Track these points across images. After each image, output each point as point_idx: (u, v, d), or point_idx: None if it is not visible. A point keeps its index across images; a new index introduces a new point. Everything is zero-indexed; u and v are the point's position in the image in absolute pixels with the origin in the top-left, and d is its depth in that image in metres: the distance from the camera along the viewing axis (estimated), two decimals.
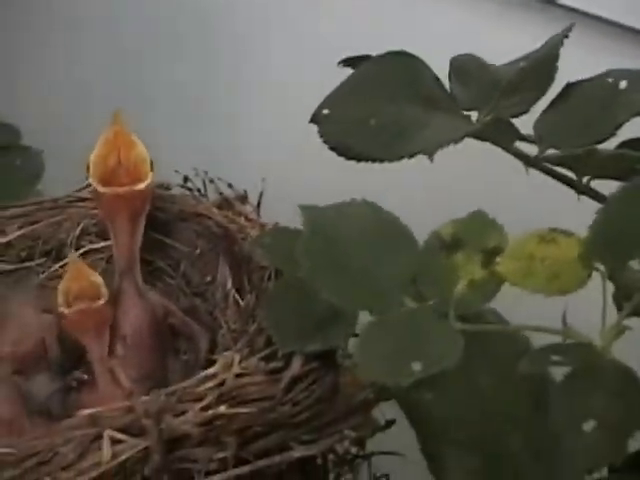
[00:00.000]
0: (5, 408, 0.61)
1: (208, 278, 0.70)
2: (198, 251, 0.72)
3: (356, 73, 0.65)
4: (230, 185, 0.76)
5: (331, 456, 0.63)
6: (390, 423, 0.62)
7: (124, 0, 1.04)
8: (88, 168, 0.65)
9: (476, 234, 0.53)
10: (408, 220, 0.56)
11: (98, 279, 0.63)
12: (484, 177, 0.79)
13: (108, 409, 0.53)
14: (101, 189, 0.64)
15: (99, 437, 0.51)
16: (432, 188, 0.78)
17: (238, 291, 0.67)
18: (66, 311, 0.62)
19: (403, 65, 0.64)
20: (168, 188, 0.77)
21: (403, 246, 0.55)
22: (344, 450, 0.63)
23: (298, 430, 0.55)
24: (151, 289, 0.69)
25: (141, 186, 0.64)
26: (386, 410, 0.61)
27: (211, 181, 0.76)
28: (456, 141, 0.58)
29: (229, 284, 0.68)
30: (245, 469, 0.52)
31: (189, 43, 1.00)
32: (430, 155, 0.57)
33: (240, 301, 0.67)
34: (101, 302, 0.62)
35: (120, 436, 0.51)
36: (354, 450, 0.63)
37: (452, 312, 0.51)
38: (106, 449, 0.50)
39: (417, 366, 0.47)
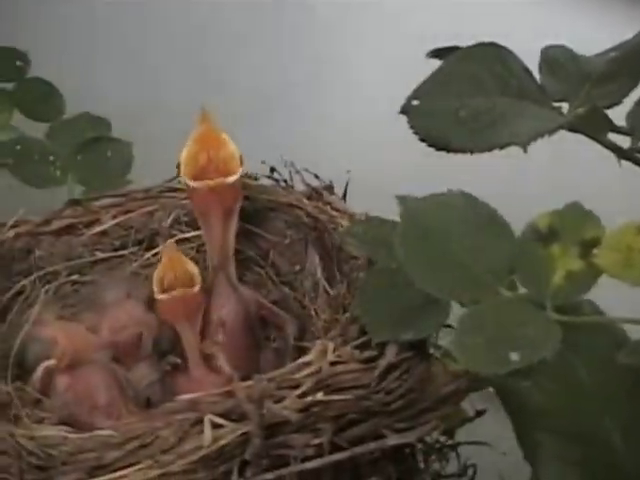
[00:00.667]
0: (103, 393, 0.62)
1: (297, 267, 0.70)
2: (287, 241, 0.72)
3: (445, 64, 0.65)
4: (316, 176, 0.77)
5: (420, 445, 0.63)
6: (480, 413, 0.62)
7: None
8: (179, 166, 0.67)
9: (573, 225, 0.53)
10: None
11: (192, 267, 0.65)
12: (574, 168, 0.78)
13: (208, 394, 0.54)
14: (193, 184, 0.65)
15: (199, 421, 0.52)
16: (521, 178, 0.78)
17: (328, 280, 0.68)
18: (160, 297, 0.63)
19: (493, 56, 0.64)
20: (256, 178, 0.78)
21: (500, 237, 0.54)
22: (434, 439, 0.63)
23: (391, 418, 0.55)
24: (242, 284, 0.71)
25: (231, 179, 0.65)
26: (476, 400, 0.62)
27: (297, 172, 0.77)
28: (550, 132, 0.58)
29: (319, 273, 0.69)
30: (341, 455, 0.53)
31: (271, 31, 1.01)
32: (524, 146, 0.57)
33: (330, 290, 0.68)
34: (194, 289, 0.64)
35: (220, 421, 0.52)
36: (443, 439, 0.63)
37: (549, 303, 0.51)
38: (207, 433, 0.52)
39: (515, 356, 0.48)
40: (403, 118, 0.60)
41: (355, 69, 0.95)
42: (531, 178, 0.77)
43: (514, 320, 0.51)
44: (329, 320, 0.66)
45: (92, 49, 1.15)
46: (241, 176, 0.67)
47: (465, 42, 0.64)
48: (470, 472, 0.65)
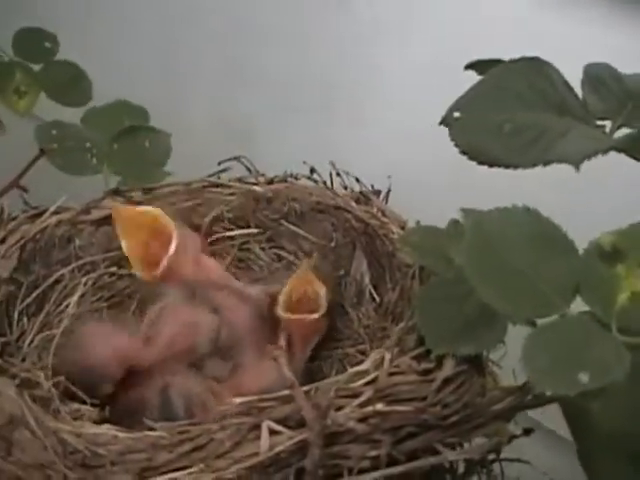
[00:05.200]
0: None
1: (341, 272, 0.69)
2: (333, 244, 0.71)
3: (488, 77, 0.64)
4: (357, 179, 0.76)
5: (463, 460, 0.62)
6: (528, 431, 0.61)
7: None
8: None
9: (637, 246, 0.52)
10: None
11: (321, 291, 0.65)
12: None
13: (266, 398, 0.52)
14: (283, 315, 0.66)
15: (256, 426, 0.51)
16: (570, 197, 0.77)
17: (375, 287, 0.67)
18: (284, 316, 0.65)
19: (536, 71, 0.63)
20: (297, 178, 0.77)
21: (564, 253, 0.54)
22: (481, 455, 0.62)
23: (446, 433, 0.54)
24: None
25: (315, 315, 0.66)
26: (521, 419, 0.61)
27: (338, 174, 0.76)
28: (603, 152, 0.57)
29: (366, 279, 0.67)
30: (398, 469, 0.52)
31: (312, 31, 0.99)
32: (576, 165, 0.56)
33: (376, 297, 0.67)
34: (316, 315, 0.65)
35: (278, 427, 0.51)
36: (490, 455, 0.62)
37: (614, 324, 0.50)
38: (264, 439, 0.50)
39: (585, 377, 0.47)
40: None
41: (396, 74, 0.94)
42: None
43: (581, 340, 0.50)
44: (374, 327, 0.65)
45: (119, 36, 1.13)
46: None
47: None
48: None
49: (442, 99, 0.61)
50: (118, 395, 0.64)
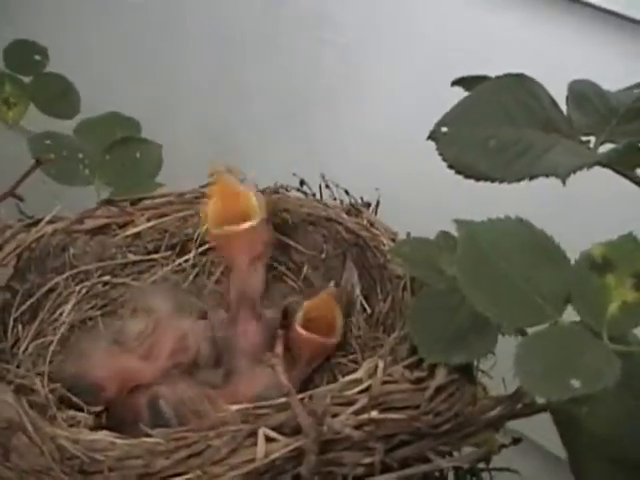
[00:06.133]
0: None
1: (331, 283, 0.70)
2: (323, 255, 0.72)
3: (474, 93, 0.65)
4: (347, 192, 0.76)
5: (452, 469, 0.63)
6: (517, 440, 0.62)
7: None
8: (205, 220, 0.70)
9: (627, 257, 0.53)
10: None
11: (339, 318, 0.68)
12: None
13: (262, 406, 0.53)
14: (216, 231, 0.68)
15: (253, 433, 0.52)
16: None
17: (366, 298, 0.68)
18: (303, 333, 0.66)
19: (521, 87, 0.64)
20: (287, 190, 0.77)
21: (556, 264, 0.55)
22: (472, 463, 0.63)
23: (437, 441, 0.55)
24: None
25: (249, 224, 0.68)
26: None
27: (327, 186, 0.77)
28: (589, 166, 0.58)
29: (357, 290, 0.68)
30: (391, 476, 0.52)
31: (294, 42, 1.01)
32: (563, 179, 0.57)
33: (367, 308, 0.68)
34: (334, 340, 0.68)
35: (274, 434, 0.51)
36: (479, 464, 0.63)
37: (605, 332, 0.51)
38: (260, 446, 0.51)
39: (577, 383, 0.48)
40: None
41: (387, 85, 0.95)
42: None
43: (573, 348, 0.51)
44: (365, 337, 0.65)
45: (108, 47, 1.14)
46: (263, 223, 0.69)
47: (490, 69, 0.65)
48: None
49: (428, 110, 0.62)
50: (113, 403, 0.64)
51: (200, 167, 0.78)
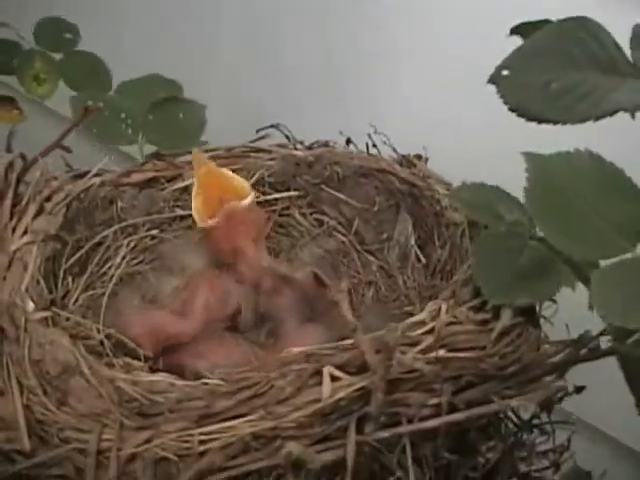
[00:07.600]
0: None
1: (384, 236, 0.68)
2: (376, 208, 0.70)
3: (536, 37, 0.63)
4: (395, 149, 0.75)
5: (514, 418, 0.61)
6: (580, 389, 0.60)
7: None
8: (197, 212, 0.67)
9: None
10: None
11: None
12: None
13: (325, 347, 0.52)
14: (212, 221, 0.66)
15: (317, 373, 0.50)
16: None
17: (422, 247, 0.66)
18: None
19: (583, 30, 0.63)
20: (333, 147, 0.76)
21: (629, 197, 0.53)
22: (532, 413, 0.61)
23: (503, 384, 0.54)
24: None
25: (244, 203, 0.66)
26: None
27: (374, 145, 0.75)
28: None
29: (412, 241, 0.67)
30: (458, 416, 0.51)
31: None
32: (632, 112, 0.56)
33: (422, 258, 0.66)
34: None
35: (339, 373, 0.50)
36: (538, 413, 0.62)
37: None
38: (326, 385, 0.49)
39: None
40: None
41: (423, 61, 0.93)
42: None
43: None
44: (423, 287, 0.64)
45: (145, 30, 1.13)
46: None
47: None
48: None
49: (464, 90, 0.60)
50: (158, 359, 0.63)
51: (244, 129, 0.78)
